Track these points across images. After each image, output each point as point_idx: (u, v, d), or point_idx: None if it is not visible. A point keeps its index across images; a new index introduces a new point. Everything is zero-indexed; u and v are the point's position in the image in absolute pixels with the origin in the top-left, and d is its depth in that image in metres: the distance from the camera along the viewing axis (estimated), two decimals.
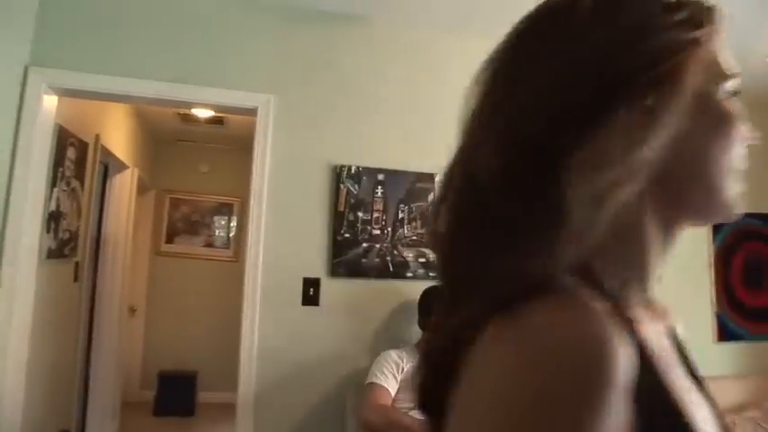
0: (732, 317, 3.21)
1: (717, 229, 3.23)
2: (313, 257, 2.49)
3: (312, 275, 2.47)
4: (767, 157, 3.33)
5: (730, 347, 3.19)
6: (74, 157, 2.91)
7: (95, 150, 3.37)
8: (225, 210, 5.56)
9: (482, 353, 0.38)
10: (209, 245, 5.52)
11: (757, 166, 3.04)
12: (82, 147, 3.05)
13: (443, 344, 0.44)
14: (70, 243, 2.99)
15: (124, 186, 4.22)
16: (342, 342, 2.48)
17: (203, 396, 5.02)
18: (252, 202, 2.49)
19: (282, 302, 2.44)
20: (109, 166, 4.08)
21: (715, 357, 3.14)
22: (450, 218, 0.48)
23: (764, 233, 3.33)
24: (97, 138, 3.39)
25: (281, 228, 2.47)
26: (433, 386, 0.45)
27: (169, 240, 5.45)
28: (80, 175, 3.08)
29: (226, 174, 5.41)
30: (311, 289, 2.46)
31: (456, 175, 0.49)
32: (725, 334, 3.19)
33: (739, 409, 2.73)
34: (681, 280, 3.08)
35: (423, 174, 2.64)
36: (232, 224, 5.55)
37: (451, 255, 0.48)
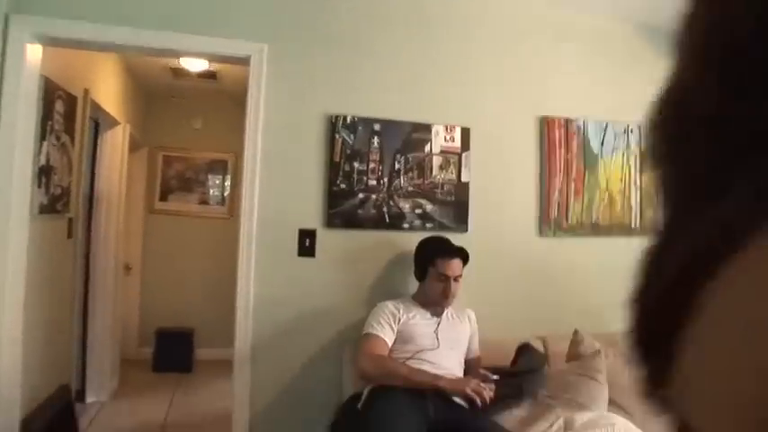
0: None
1: None
2: (309, 208, 2.46)
3: (308, 227, 2.45)
4: None
5: None
6: (62, 110, 2.85)
7: (85, 105, 3.29)
8: (219, 166, 5.49)
9: (752, 270, 0.30)
10: (204, 202, 5.47)
11: None
12: (70, 100, 2.98)
13: (680, 264, 0.36)
14: (62, 199, 2.95)
15: (116, 143, 4.15)
16: (338, 293, 2.48)
17: (200, 353, 5.06)
18: (246, 152, 2.44)
19: (278, 254, 2.42)
20: (99, 122, 4.00)
21: None
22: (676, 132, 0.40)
23: None
24: (86, 92, 3.31)
25: (275, 178, 2.43)
26: (657, 324, 0.38)
27: (163, 198, 5.40)
28: (70, 130, 3.01)
29: (219, 130, 5.33)
30: (307, 240, 2.44)
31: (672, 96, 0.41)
32: None
33: None
34: None
35: (419, 124, 2.59)
36: (226, 182, 5.50)
37: (683, 166, 0.39)
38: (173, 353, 4.89)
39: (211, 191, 5.51)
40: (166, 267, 5.31)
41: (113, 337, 4.16)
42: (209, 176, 5.50)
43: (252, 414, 2.39)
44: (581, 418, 1.99)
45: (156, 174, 5.39)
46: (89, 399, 3.90)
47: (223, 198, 5.50)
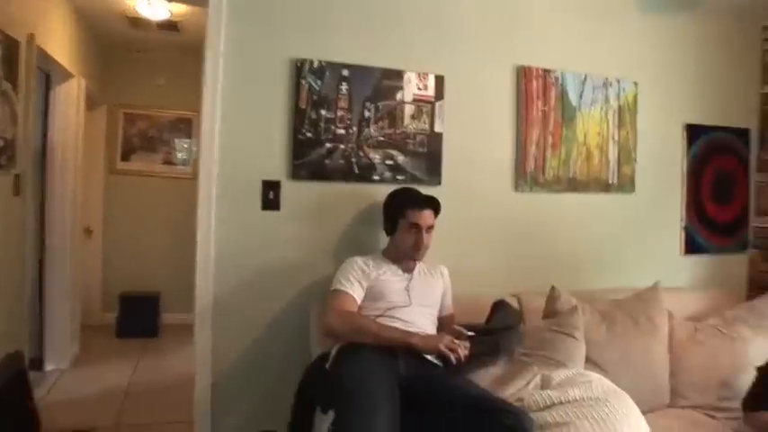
0: (699, 230, 3.19)
1: (691, 141, 3.15)
2: (273, 158, 2.30)
3: (272, 178, 2.30)
4: (739, 71, 3.26)
5: (695, 260, 3.20)
6: (0, 54, 2.61)
7: (30, 51, 3.04)
8: (184, 125, 5.27)
9: None
10: (169, 162, 5.28)
11: (729, 81, 2.90)
12: (11, 44, 2.74)
13: None
14: (6, 152, 2.73)
15: (70, 97, 3.90)
16: (305, 248, 2.35)
17: (167, 317, 4.94)
18: (205, 100, 2.26)
19: (241, 208, 2.27)
20: (51, 75, 3.75)
21: (681, 269, 3.15)
22: None
23: (734, 147, 3.28)
24: (31, 37, 3.06)
25: (237, 127, 2.26)
26: None
27: (125, 158, 5.18)
28: (12, 78, 2.78)
29: (184, 86, 5.07)
30: (271, 192, 2.29)
31: None
32: (691, 246, 3.18)
33: (701, 317, 2.77)
34: (656, 191, 3.04)
35: (390, 70, 2.44)
36: (192, 141, 5.28)
37: None
38: (137, 318, 4.75)
39: (176, 150, 5.31)
40: (130, 230, 5.13)
41: (73, 302, 3.98)
42: (174, 135, 5.29)
43: (215, 376, 2.28)
44: (558, 375, 1.92)
45: (117, 132, 5.16)
46: (48, 367, 3.75)
47: (188, 157, 5.30)
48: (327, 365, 1.94)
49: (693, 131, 3.16)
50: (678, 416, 2.31)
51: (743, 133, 3.30)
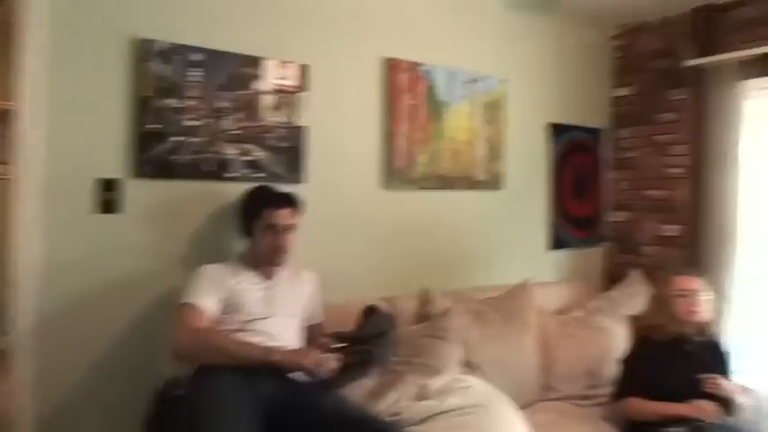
0: (562, 225, 3.32)
1: (554, 139, 3.27)
2: (110, 155, 1.97)
3: (109, 176, 1.97)
4: (593, 74, 3.46)
5: (560, 254, 3.33)
6: None
7: None
8: (2, 117, 4.60)
9: None
10: None
11: (585, 83, 2.99)
12: None
13: None
14: None
15: None
16: (150, 256, 2.05)
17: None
18: (23, 85, 1.90)
19: (69, 212, 1.91)
20: None
21: (547, 264, 3.25)
22: None
23: (590, 146, 3.46)
24: None
25: (66, 118, 1.91)
26: None
27: None
28: None
29: (3, 72, 4.41)
30: (108, 193, 1.95)
31: None
32: (555, 242, 3.30)
33: (566, 309, 2.87)
34: (523, 188, 3.12)
35: (248, 57, 2.21)
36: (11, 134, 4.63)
37: None
38: None
39: None
40: None
41: None
42: None
43: (42, 413, 1.90)
44: (434, 383, 1.85)
45: None
46: None
47: (6, 154, 4.64)
48: (179, 392, 1.71)
49: (556, 130, 3.27)
50: (548, 409, 2.36)
51: (597, 133, 3.49)
